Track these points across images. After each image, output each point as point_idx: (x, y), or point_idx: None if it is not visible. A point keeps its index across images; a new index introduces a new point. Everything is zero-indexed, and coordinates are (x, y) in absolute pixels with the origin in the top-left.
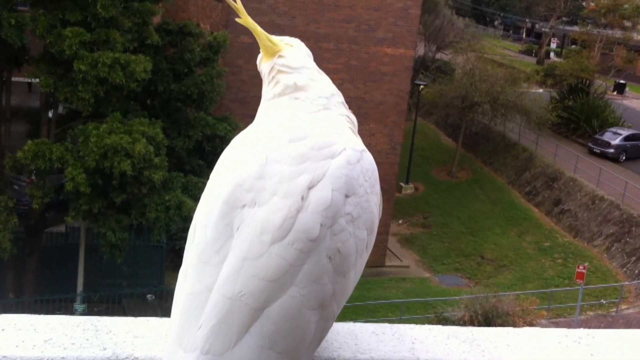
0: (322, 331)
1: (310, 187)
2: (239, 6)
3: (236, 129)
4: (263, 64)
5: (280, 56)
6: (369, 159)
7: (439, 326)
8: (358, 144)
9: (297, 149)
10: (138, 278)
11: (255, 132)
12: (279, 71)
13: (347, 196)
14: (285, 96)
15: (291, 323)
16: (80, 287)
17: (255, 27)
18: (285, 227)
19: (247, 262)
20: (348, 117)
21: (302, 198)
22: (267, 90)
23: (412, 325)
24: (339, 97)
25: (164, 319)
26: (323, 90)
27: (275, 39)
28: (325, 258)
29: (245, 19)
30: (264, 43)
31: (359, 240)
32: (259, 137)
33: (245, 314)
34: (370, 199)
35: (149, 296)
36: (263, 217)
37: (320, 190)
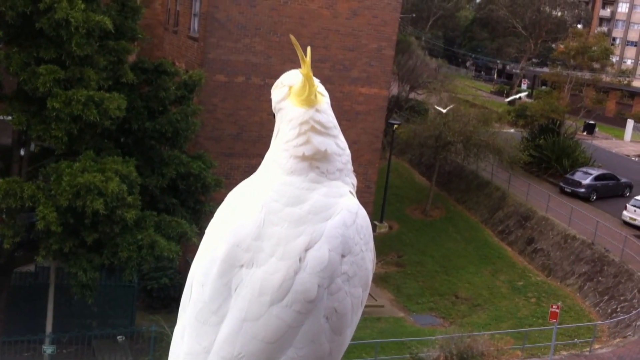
0: None
1: (307, 249)
2: (308, 59)
3: (211, 167)
4: (291, 106)
5: (317, 110)
6: (363, 215)
7: None
8: (354, 203)
9: (294, 213)
10: (108, 319)
11: (254, 191)
12: (312, 128)
13: (343, 256)
14: (307, 161)
15: None
16: (49, 328)
17: (311, 75)
18: (284, 288)
19: (246, 324)
20: (350, 182)
21: (300, 259)
22: (289, 140)
23: None
24: (349, 159)
25: None
26: (341, 159)
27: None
28: (323, 318)
29: (308, 70)
30: (311, 95)
31: (355, 298)
32: (258, 197)
33: None
34: (366, 256)
35: (119, 337)
36: (261, 278)
37: (317, 251)
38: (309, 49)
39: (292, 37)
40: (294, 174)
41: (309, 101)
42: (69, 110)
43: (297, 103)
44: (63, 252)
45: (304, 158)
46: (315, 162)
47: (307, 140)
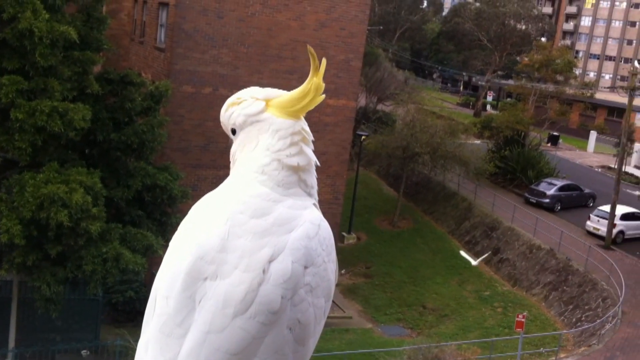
0: None
1: (271, 261)
2: (322, 70)
3: (177, 179)
4: (276, 117)
5: (304, 121)
6: (325, 227)
7: None
8: (317, 216)
9: (259, 225)
10: (72, 333)
11: (219, 203)
12: (304, 139)
13: (306, 267)
14: (297, 174)
15: None
16: (12, 343)
17: (322, 87)
18: (248, 300)
19: (210, 336)
20: (315, 195)
21: (264, 271)
22: (280, 149)
23: None
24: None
25: None
26: (314, 176)
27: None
28: (286, 329)
29: (320, 81)
30: (312, 105)
31: (318, 309)
32: (224, 209)
33: None
34: (328, 267)
35: (83, 352)
36: (225, 290)
37: (280, 263)
38: (324, 60)
39: (309, 47)
40: (280, 186)
41: (303, 112)
42: (32, 121)
43: (285, 115)
44: (26, 265)
45: (297, 168)
46: (303, 173)
47: (300, 150)
